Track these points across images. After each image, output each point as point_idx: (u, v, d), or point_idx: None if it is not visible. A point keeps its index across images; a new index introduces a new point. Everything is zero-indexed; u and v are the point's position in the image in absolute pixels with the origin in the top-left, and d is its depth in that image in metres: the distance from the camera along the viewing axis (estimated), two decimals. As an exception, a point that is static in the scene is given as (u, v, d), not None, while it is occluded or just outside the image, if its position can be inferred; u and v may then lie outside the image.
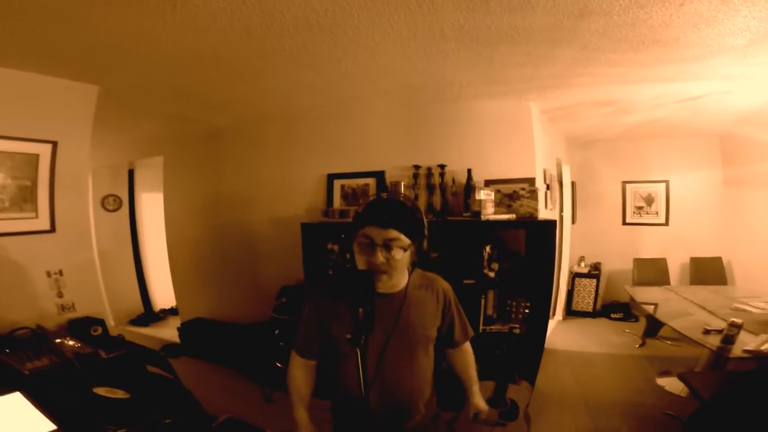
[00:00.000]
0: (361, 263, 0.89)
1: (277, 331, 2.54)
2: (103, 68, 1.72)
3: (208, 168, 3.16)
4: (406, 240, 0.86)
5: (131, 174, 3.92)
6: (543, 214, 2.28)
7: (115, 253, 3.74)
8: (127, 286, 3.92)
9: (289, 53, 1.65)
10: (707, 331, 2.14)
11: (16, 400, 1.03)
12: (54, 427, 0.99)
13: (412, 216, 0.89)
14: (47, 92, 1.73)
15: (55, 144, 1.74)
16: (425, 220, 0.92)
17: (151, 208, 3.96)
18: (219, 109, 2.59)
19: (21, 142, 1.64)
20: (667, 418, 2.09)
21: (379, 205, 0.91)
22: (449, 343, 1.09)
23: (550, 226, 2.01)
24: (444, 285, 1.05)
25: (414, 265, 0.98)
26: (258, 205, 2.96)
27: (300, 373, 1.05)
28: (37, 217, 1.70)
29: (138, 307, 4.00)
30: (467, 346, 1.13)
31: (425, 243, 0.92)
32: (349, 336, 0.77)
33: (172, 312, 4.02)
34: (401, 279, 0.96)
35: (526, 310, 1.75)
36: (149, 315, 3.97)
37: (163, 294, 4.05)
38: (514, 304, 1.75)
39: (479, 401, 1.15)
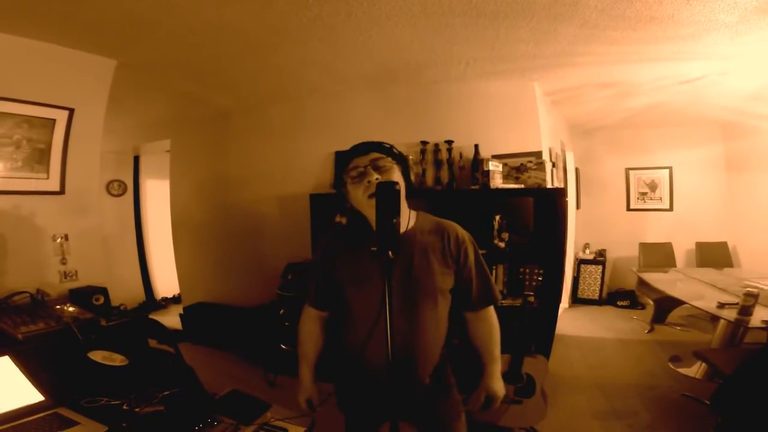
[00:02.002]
0: (359, 195, 0.86)
1: (282, 311, 2.50)
2: (123, 41, 1.76)
3: (215, 151, 3.17)
4: (390, 159, 0.88)
5: (136, 160, 3.93)
6: (550, 186, 2.28)
7: (118, 239, 3.71)
8: (129, 273, 3.88)
9: (305, 26, 1.67)
10: (721, 305, 2.12)
11: (4, 364, 0.98)
12: (41, 398, 0.95)
13: (386, 144, 0.91)
14: (69, 63, 1.78)
15: (71, 111, 1.77)
16: (401, 152, 0.94)
17: (156, 194, 3.96)
18: (229, 89, 2.61)
19: (40, 107, 1.67)
20: (686, 399, 2.05)
21: (353, 145, 0.93)
22: (466, 305, 0.95)
23: (559, 193, 2.01)
24: (461, 232, 0.93)
25: (412, 201, 0.93)
26: (264, 184, 2.95)
27: (309, 326, 1.01)
28: (48, 178, 1.71)
29: (140, 295, 3.95)
30: (489, 313, 0.96)
31: (411, 175, 0.92)
32: (373, 248, 0.71)
33: (174, 300, 3.99)
34: (402, 218, 0.85)
35: (540, 278, 1.72)
36: (150, 303, 3.93)
37: (165, 283, 4.02)
38: (527, 271, 1.72)
39: (495, 384, 0.96)
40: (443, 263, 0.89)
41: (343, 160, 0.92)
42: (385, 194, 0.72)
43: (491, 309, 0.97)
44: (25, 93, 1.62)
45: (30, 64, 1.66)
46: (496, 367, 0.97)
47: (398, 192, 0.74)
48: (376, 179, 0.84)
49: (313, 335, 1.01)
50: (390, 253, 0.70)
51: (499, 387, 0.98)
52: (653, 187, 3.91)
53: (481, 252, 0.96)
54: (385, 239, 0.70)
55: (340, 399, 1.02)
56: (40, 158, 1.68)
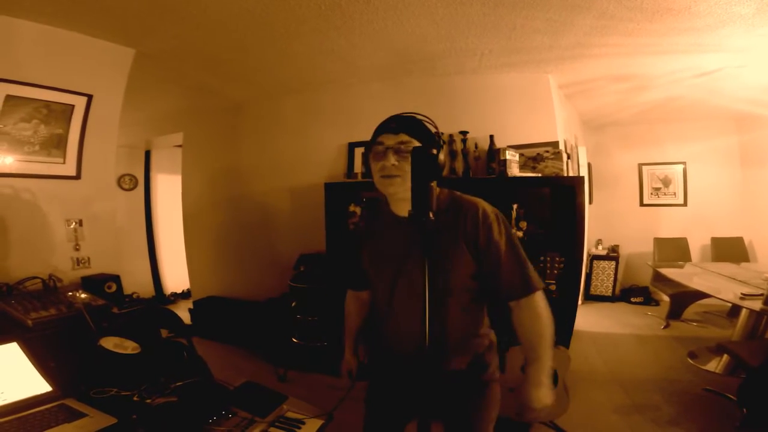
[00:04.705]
0: (376, 172, 0.85)
1: (293, 303, 2.47)
2: (143, 30, 1.77)
3: (227, 143, 3.16)
4: (417, 143, 0.82)
5: (147, 155, 3.94)
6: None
7: (128, 233, 3.71)
8: (139, 268, 3.88)
9: (323, 14, 1.67)
10: (743, 296, 2.08)
11: (12, 351, 0.94)
12: (48, 388, 0.92)
13: (420, 123, 0.85)
14: (89, 52, 1.80)
15: (90, 97, 1.78)
16: (438, 131, 0.86)
17: (166, 189, 3.96)
18: (244, 80, 2.61)
19: (59, 93, 1.68)
20: (708, 393, 2.02)
21: (390, 117, 0.87)
22: (499, 296, 0.82)
23: (579, 181, 1.97)
24: (483, 210, 0.82)
25: (442, 184, 0.87)
26: (276, 176, 2.94)
27: (350, 303, 1.08)
28: (64, 162, 1.71)
29: (149, 290, 3.94)
30: (534, 301, 0.81)
31: (441, 156, 0.83)
32: (409, 211, 0.67)
33: (183, 296, 3.99)
34: None
35: (561, 266, 1.69)
36: (160, 298, 3.92)
37: (175, 278, 4.02)
38: (548, 260, 1.68)
39: (533, 391, 0.79)
40: (458, 248, 0.81)
41: (375, 131, 0.89)
42: (419, 159, 0.69)
43: (537, 296, 0.81)
44: (46, 79, 1.64)
45: (52, 51, 1.68)
46: (538, 368, 0.80)
47: (433, 156, 0.72)
48: (392, 165, 0.81)
49: (353, 313, 1.07)
50: (431, 214, 0.65)
51: (537, 396, 0.79)
52: (667, 182, 3.86)
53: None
54: (422, 202, 0.65)
55: (369, 390, 1.00)
56: (57, 143, 1.69)
